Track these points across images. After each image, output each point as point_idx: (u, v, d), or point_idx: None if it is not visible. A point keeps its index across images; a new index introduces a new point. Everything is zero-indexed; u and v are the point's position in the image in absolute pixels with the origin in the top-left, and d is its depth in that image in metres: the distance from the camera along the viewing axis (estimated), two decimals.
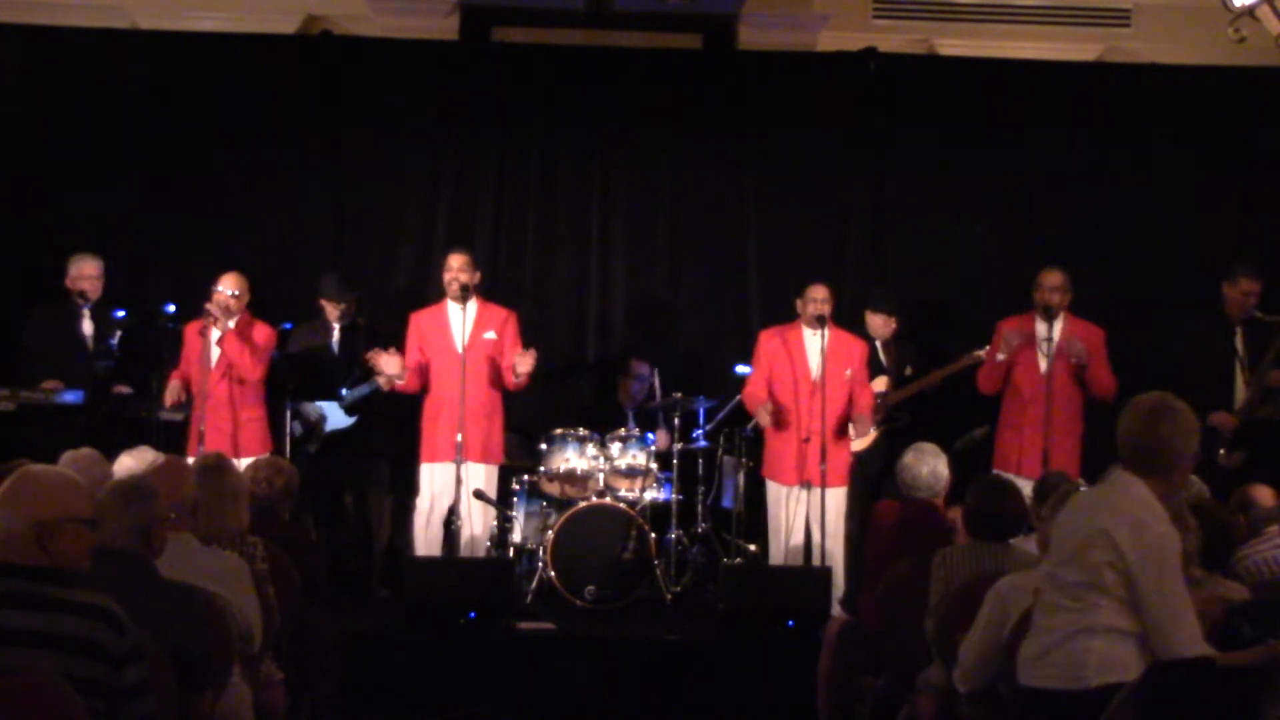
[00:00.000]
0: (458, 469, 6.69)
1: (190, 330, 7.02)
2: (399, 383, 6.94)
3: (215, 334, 6.87)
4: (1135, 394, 3.59)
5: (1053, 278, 6.94)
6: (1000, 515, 4.48)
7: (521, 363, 6.84)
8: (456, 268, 6.94)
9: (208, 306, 6.83)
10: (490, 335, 7.00)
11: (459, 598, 6.33)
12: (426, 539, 6.94)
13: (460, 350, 6.83)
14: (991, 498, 4.53)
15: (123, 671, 2.97)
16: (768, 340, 7.04)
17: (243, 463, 6.62)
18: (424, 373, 6.99)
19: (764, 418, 6.85)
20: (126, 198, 8.08)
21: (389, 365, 6.88)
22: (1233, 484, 5.44)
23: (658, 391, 7.75)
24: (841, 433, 6.93)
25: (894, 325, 7.55)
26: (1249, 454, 6.64)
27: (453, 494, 6.75)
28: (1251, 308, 6.93)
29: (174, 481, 3.95)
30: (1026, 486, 4.98)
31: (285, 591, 4.41)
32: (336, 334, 7.42)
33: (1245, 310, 6.94)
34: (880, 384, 7.36)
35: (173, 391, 6.94)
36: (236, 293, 6.94)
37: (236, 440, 6.90)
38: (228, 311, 6.89)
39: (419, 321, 7.09)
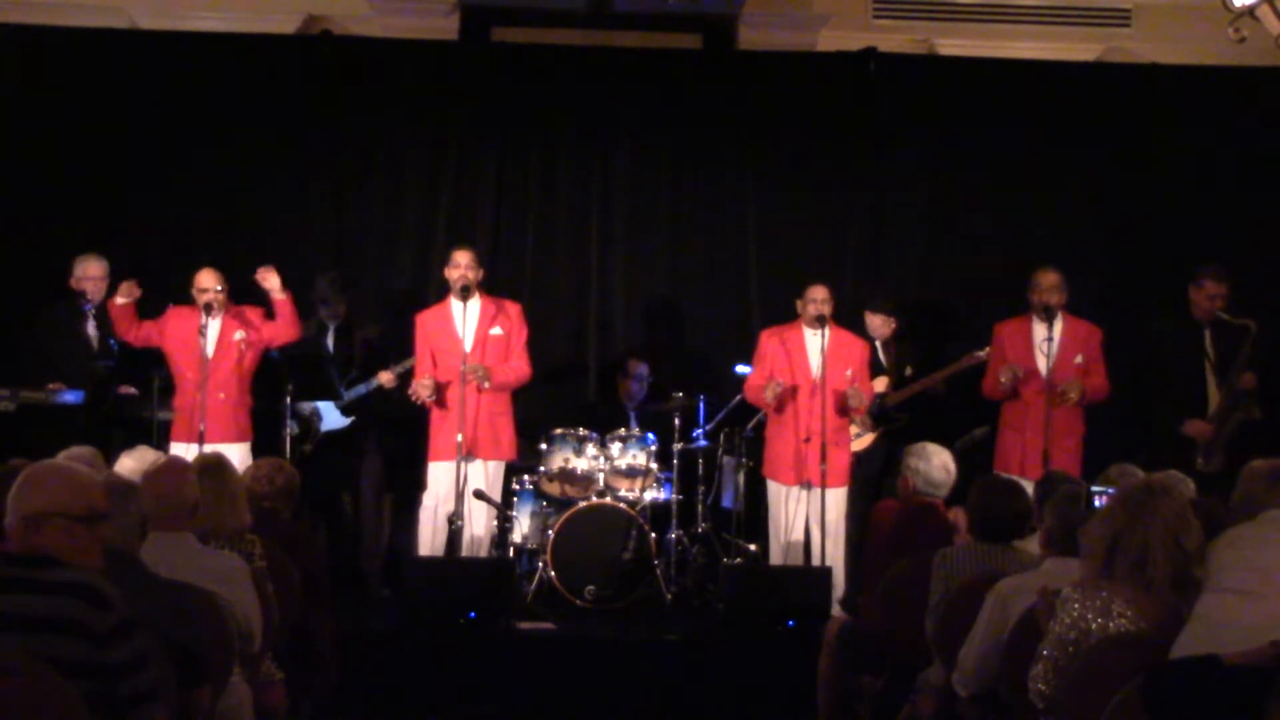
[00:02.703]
0: (459, 468, 6.69)
1: (173, 318, 7.00)
2: (430, 401, 6.92)
3: (214, 326, 6.87)
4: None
5: (1049, 278, 6.95)
6: (1005, 516, 4.47)
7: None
8: (464, 265, 6.91)
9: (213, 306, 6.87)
10: (497, 331, 6.98)
11: (459, 598, 6.32)
12: (433, 537, 6.92)
13: (466, 348, 6.82)
14: (997, 499, 4.52)
15: (109, 648, 2.91)
16: (768, 340, 7.04)
17: (241, 448, 6.76)
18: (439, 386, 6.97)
19: (772, 391, 6.79)
20: (126, 198, 8.07)
21: (423, 390, 6.87)
22: (1212, 490, 5.40)
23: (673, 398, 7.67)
24: (842, 432, 6.93)
25: (894, 325, 7.55)
26: (1227, 460, 6.62)
27: (457, 493, 6.73)
28: (1218, 310, 6.96)
29: (174, 481, 3.94)
30: (1028, 487, 4.97)
31: (285, 591, 4.40)
32: (331, 334, 7.41)
33: (1211, 313, 6.97)
34: (880, 384, 7.36)
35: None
36: (220, 288, 6.93)
37: (240, 428, 6.97)
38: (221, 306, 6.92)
39: (425, 323, 7.06)
